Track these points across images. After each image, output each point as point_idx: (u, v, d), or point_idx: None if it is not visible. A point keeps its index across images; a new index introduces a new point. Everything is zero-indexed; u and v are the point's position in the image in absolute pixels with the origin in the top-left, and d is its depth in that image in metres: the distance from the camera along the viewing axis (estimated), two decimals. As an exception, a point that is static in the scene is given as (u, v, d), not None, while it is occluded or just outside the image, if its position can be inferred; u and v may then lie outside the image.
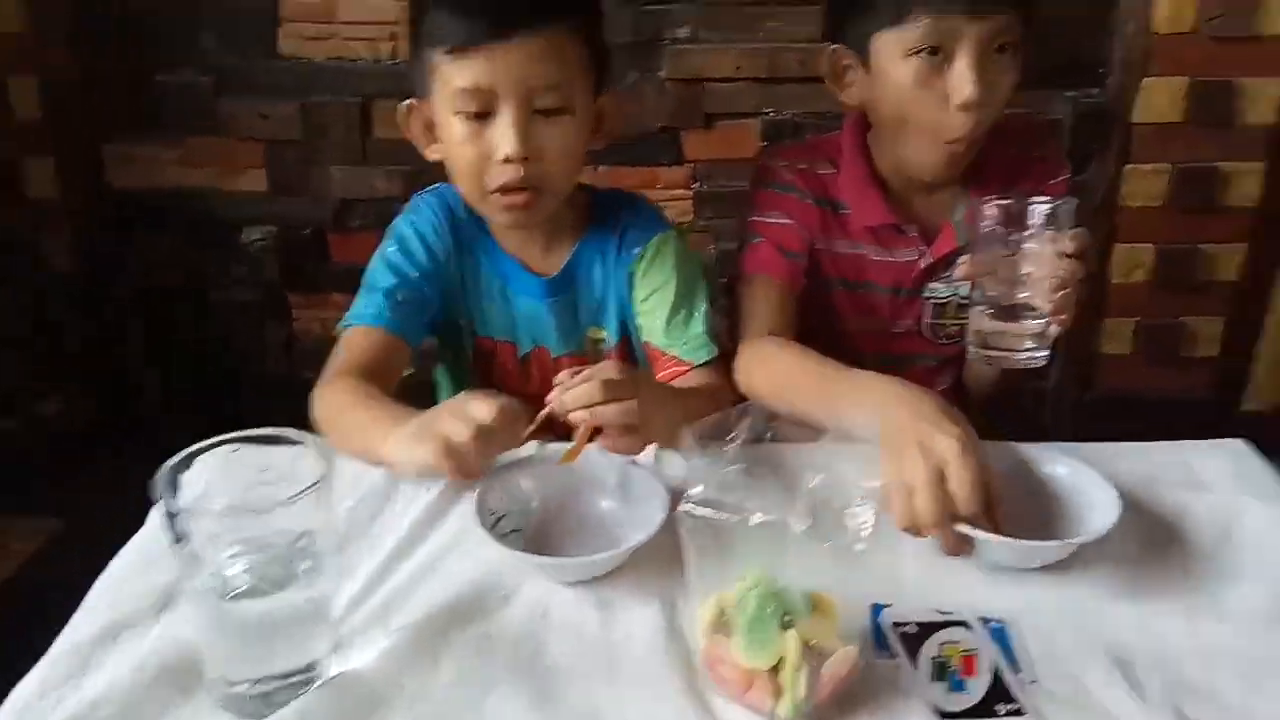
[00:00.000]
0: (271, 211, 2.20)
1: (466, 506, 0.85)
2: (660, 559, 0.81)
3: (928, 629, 0.77)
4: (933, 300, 1.21)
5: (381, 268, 1.15)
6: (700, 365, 1.12)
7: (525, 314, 1.19)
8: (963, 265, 1.01)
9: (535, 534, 0.85)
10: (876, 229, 1.18)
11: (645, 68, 2.02)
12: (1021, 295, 0.96)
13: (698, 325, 1.14)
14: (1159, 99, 2.00)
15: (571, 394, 0.88)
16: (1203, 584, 0.81)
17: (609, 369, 0.91)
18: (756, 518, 0.67)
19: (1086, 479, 0.87)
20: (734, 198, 2.05)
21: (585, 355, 1.20)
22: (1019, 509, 0.83)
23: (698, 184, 2.12)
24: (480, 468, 0.87)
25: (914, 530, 0.80)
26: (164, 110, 2.13)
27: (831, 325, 1.23)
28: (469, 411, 0.86)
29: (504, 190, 1.04)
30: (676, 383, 1.12)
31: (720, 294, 1.30)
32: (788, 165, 1.20)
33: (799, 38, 1.98)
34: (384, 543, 0.85)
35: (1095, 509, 0.83)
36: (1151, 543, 0.85)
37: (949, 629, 0.76)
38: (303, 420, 2.56)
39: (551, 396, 0.89)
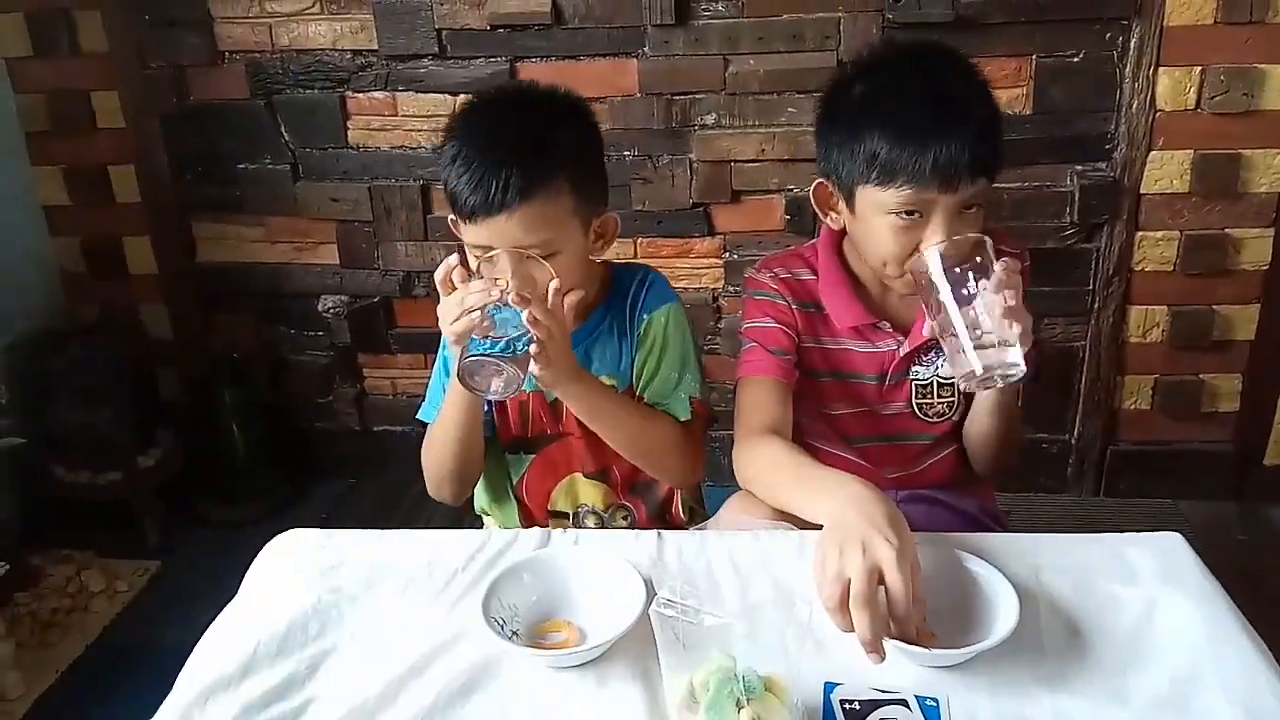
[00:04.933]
0: (343, 282, 2.42)
1: (489, 601, 1.00)
2: (643, 641, 0.94)
3: (870, 706, 0.90)
4: (916, 382, 1.32)
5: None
6: (681, 421, 1.30)
7: None
8: (927, 327, 1.13)
9: (542, 618, 1.02)
10: (856, 327, 1.30)
11: (676, 150, 2.18)
12: (984, 329, 1.05)
13: (684, 390, 1.31)
14: (1166, 171, 2.08)
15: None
16: (1114, 670, 0.92)
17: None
18: (709, 620, 0.82)
19: (997, 582, 0.98)
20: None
21: None
22: (944, 603, 0.96)
23: (728, 254, 2.27)
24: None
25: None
26: (247, 194, 2.36)
27: (826, 413, 1.34)
28: None
29: None
30: None
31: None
32: (772, 275, 1.32)
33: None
34: (421, 621, 1.03)
35: (1003, 608, 0.95)
36: (1077, 631, 0.97)
37: (889, 706, 0.90)
38: (373, 466, 2.75)
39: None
